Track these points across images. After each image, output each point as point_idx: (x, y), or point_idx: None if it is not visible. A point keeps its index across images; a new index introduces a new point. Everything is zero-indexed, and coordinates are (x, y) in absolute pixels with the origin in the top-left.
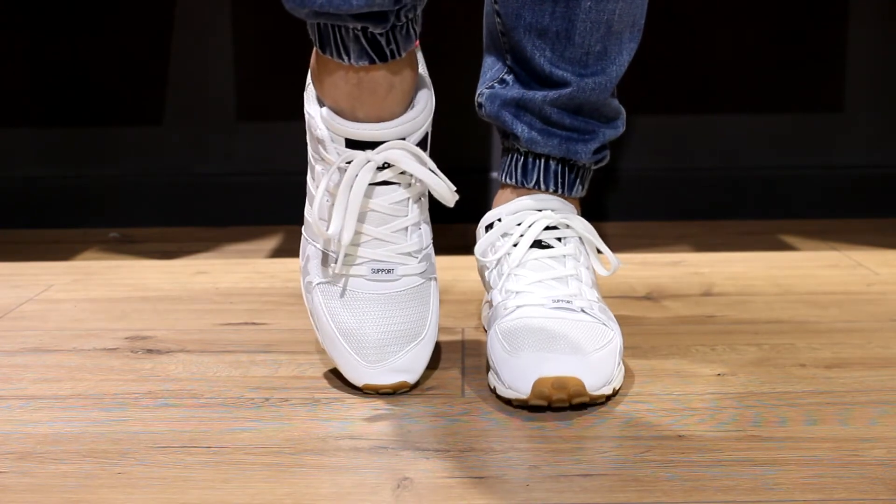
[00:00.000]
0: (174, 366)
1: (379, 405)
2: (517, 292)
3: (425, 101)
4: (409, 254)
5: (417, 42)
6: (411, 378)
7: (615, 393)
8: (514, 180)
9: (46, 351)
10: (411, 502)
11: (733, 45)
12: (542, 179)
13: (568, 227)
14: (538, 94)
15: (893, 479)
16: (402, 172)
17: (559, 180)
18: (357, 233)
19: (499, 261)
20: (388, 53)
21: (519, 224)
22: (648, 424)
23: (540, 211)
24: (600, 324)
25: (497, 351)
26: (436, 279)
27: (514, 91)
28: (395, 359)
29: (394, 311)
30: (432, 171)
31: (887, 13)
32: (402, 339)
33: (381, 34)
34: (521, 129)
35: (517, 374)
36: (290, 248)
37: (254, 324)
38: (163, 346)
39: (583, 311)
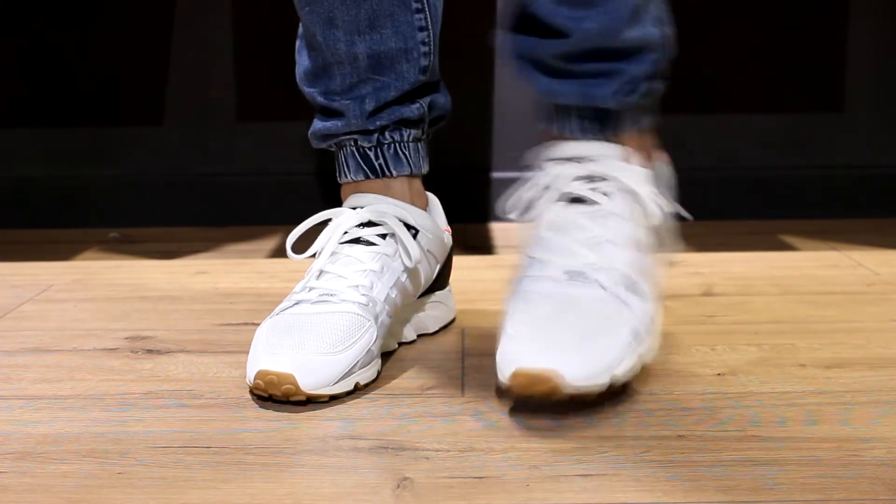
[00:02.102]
0: (174, 366)
1: (379, 405)
2: (534, 259)
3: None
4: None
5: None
6: (299, 377)
7: (621, 383)
8: (547, 126)
9: (46, 351)
10: (411, 502)
11: (733, 45)
12: (569, 126)
13: (605, 178)
14: (542, 46)
15: (893, 479)
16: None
17: (587, 126)
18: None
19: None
20: (378, 169)
21: (545, 178)
22: (648, 424)
23: (569, 160)
24: (614, 302)
25: (501, 328)
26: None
27: (522, 43)
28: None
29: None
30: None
31: (887, 13)
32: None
33: (370, 148)
34: (534, 81)
35: (501, 362)
36: None
37: (254, 324)
38: (163, 346)
39: (598, 284)
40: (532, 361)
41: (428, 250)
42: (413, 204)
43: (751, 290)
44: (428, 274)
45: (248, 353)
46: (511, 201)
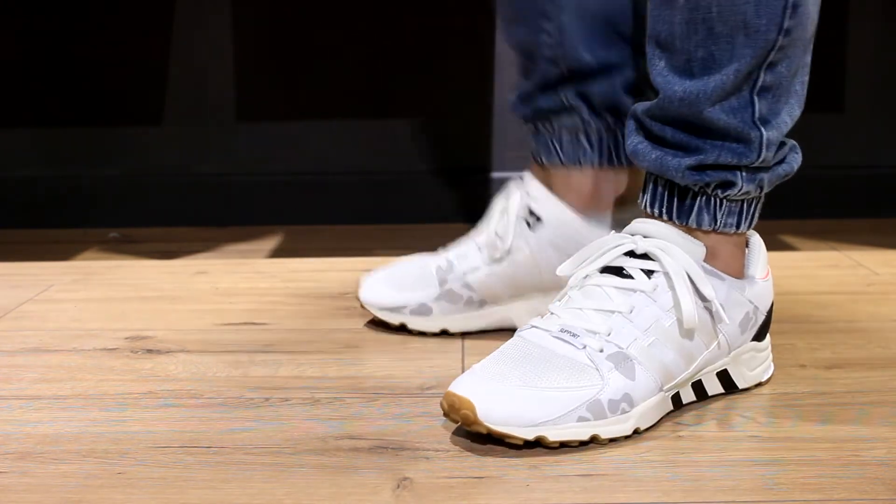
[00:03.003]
0: (174, 366)
1: (379, 405)
2: (550, 313)
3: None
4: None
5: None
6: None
7: (558, 444)
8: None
9: (46, 351)
10: (411, 502)
11: None
12: (647, 200)
13: (652, 258)
14: (639, 105)
15: (893, 479)
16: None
17: (660, 202)
18: None
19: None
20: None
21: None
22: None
23: (631, 235)
24: (584, 367)
25: None
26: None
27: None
28: None
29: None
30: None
31: (887, 13)
32: None
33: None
34: (629, 140)
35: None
36: (290, 248)
37: (254, 324)
38: (163, 346)
39: (582, 346)
40: (461, 388)
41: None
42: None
43: None
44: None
45: (247, 352)
46: (567, 264)
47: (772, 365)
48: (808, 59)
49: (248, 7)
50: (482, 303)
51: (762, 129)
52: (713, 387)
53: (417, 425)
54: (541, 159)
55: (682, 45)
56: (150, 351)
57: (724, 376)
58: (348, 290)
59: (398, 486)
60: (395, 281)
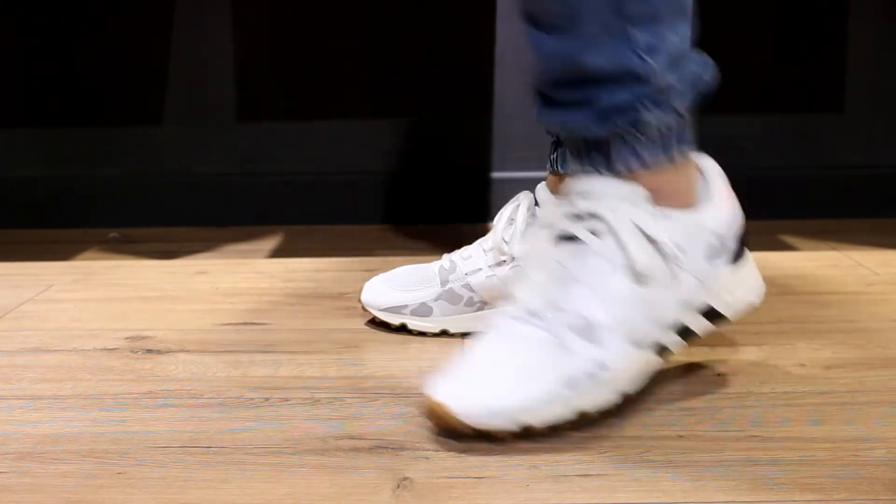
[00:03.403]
0: (174, 366)
1: (379, 405)
2: (512, 295)
3: None
4: None
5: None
6: None
7: (545, 428)
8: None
9: (46, 351)
10: (411, 502)
11: (733, 44)
12: (572, 160)
13: (595, 217)
14: (533, 77)
15: (893, 479)
16: None
17: (584, 158)
18: None
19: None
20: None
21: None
22: (648, 424)
23: (567, 196)
24: (552, 347)
25: None
26: None
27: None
28: None
29: None
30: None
31: (887, 13)
32: None
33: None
34: (533, 112)
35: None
36: (290, 248)
37: (254, 324)
38: (163, 346)
39: (547, 325)
40: (435, 391)
41: None
42: None
43: None
44: None
45: (247, 352)
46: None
47: (761, 284)
48: None
49: (248, 7)
50: (482, 304)
51: (646, 57)
52: (700, 325)
53: (417, 425)
54: (558, 167)
55: (541, 5)
56: (150, 351)
57: (706, 311)
58: (348, 290)
59: (398, 486)
60: (396, 281)
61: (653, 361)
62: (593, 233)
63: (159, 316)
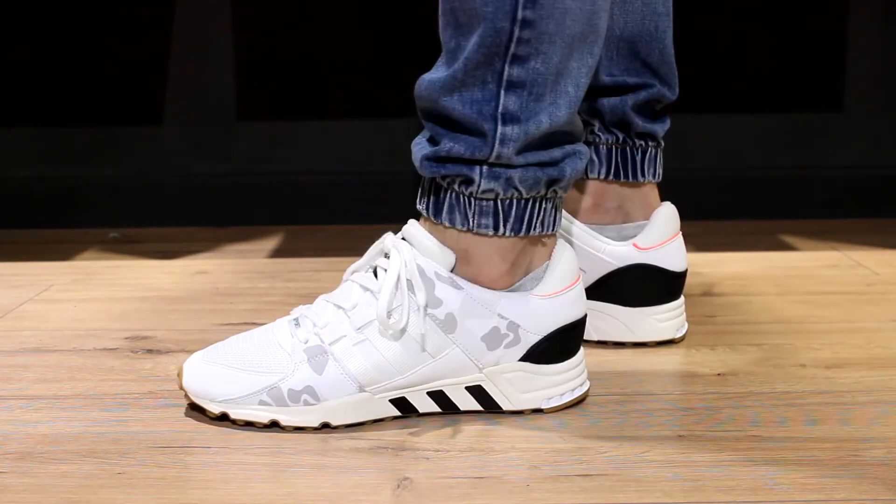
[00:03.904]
0: (174, 366)
1: None
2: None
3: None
4: None
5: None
6: None
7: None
8: None
9: (46, 351)
10: (411, 502)
11: (733, 44)
12: (419, 197)
13: (387, 256)
14: None
15: (893, 479)
16: None
17: (422, 198)
18: None
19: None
20: None
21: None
22: (648, 424)
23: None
24: (282, 353)
25: None
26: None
27: None
28: None
29: None
30: None
31: (887, 13)
32: None
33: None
34: None
35: None
36: (290, 248)
37: (254, 324)
38: (163, 346)
39: (295, 338)
40: (189, 359)
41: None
42: None
43: (751, 290)
44: None
45: None
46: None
47: (570, 393)
48: (588, 61)
49: (248, 7)
50: None
51: (500, 124)
52: (464, 401)
53: (417, 425)
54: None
55: (442, 37)
56: (150, 351)
57: (478, 392)
58: None
59: (398, 486)
60: None
61: (383, 410)
62: (383, 270)
63: (159, 316)
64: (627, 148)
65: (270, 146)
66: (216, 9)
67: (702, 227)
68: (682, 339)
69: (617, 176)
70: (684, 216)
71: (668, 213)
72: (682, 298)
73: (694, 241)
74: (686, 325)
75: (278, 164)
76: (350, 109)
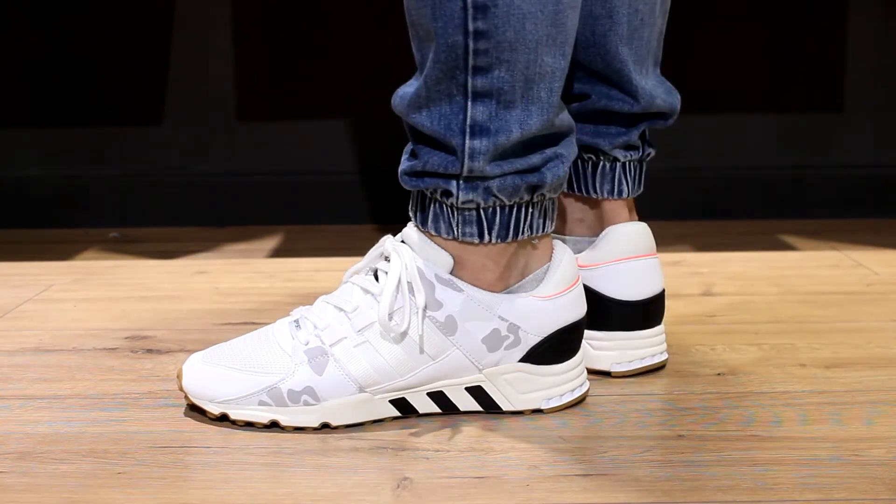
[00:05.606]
0: (174, 366)
1: None
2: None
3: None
4: None
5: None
6: None
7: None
8: None
9: (46, 351)
10: (411, 502)
11: (733, 44)
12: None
13: (387, 259)
14: None
15: (893, 479)
16: None
17: (412, 207)
18: None
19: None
20: None
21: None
22: (648, 424)
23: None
24: (282, 355)
25: None
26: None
27: None
28: None
29: None
30: None
31: (887, 13)
32: None
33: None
34: None
35: None
36: (290, 248)
37: (254, 324)
38: (163, 346)
39: (295, 339)
40: (189, 359)
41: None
42: None
43: (751, 289)
44: None
45: None
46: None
47: (570, 393)
48: (560, 63)
49: (248, 7)
50: None
51: (469, 137)
52: (464, 402)
53: (417, 426)
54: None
55: (413, 50)
56: (150, 351)
57: (478, 393)
58: None
59: (398, 486)
60: None
61: (384, 411)
62: (384, 272)
63: (159, 316)
64: (578, 161)
65: (270, 146)
66: (216, 9)
67: (702, 227)
68: (620, 374)
69: (570, 189)
70: (684, 216)
71: (619, 234)
72: (631, 332)
73: (694, 241)
74: (636, 363)
75: (278, 164)
76: (350, 109)
